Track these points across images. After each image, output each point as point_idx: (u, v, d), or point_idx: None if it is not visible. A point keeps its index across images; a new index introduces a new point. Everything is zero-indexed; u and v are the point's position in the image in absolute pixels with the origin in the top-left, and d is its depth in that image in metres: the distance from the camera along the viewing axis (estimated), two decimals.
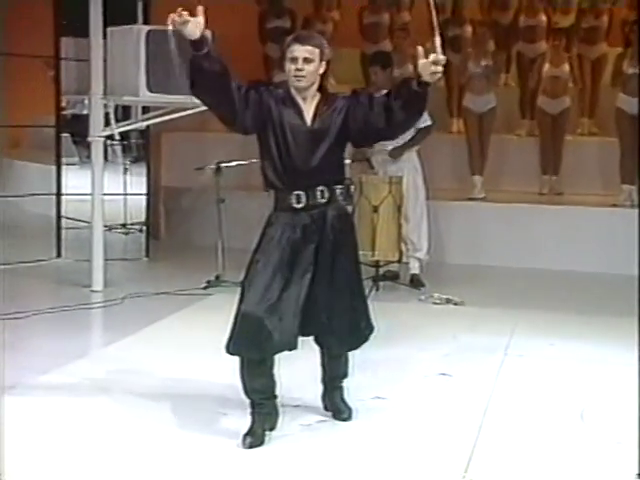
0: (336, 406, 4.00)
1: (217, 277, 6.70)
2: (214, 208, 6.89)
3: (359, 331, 3.86)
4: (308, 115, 3.66)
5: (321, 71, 3.66)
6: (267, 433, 3.70)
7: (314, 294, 3.65)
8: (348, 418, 3.97)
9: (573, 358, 5.04)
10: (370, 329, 3.91)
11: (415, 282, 6.96)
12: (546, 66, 8.76)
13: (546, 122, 8.77)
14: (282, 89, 3.69)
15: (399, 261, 6.87)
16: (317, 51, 3.61)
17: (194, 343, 5.07)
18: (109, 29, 6.41)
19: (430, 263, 7.08)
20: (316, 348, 3.92)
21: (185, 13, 3.37)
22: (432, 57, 3.46)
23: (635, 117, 8.05)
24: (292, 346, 3.65)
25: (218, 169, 6.88)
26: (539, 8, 9.80)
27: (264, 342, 3.54)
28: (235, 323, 3.61)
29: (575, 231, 7.82)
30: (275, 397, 3.74)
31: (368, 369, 4.44)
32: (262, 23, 10.10)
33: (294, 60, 3.60)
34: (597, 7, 9.69)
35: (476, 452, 3.65)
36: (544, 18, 9.74)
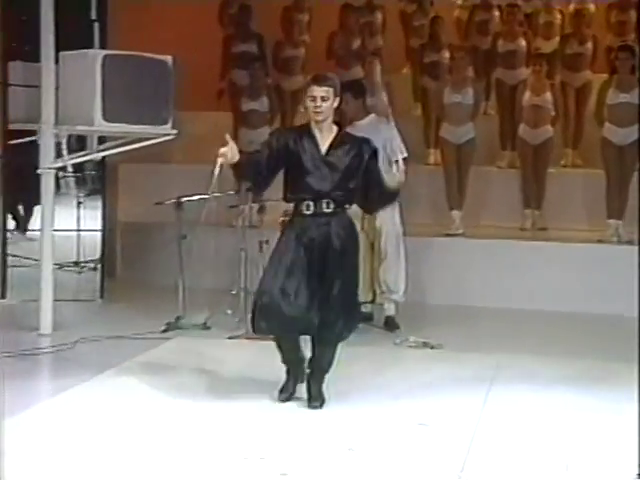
0: (311, 393, 4.78)
1: (177, 318, 6.68)
2: (175, 245, 6.89)
3: (353, 318, 4.95)
4: (323, 146, 4.78)
5: (335, 105, 4.77)
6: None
7: (319, 287, 4.69)
8: (319, 407, 4.73)
9: (557, 405, 5.05)
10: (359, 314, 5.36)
11: (390, 324, 6.97)
12: (527, 94, 8.80)
13: (528, 153, 8.83)
14: (303, 124, 4.89)
15: (372, 301, 6.90)
16: (331, 90, 4.73)
17: (150, 392, 5.04)
18: (62, 53, 6.41)
19: (406, 303, 7.06)
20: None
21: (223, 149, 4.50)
22: (396, 176, 4.93)
23: (621, 148, 8.15)
24: (307, 329, 4.69)
25: (179, 203, 6.88)
26: (519, 32, 9.96)
27: (280, 318, 4.60)
28: (255, 304, 4.67)
29: (559, 268, 7.87)
30: (303, 360, 4.91)
31: (340, 418, 4.43)
32: (227, 48, 10.11)
33: (313, 99, 4.70)
34: (581, 32, 9.87)
35: None
36: (524, 43, 9.87)
